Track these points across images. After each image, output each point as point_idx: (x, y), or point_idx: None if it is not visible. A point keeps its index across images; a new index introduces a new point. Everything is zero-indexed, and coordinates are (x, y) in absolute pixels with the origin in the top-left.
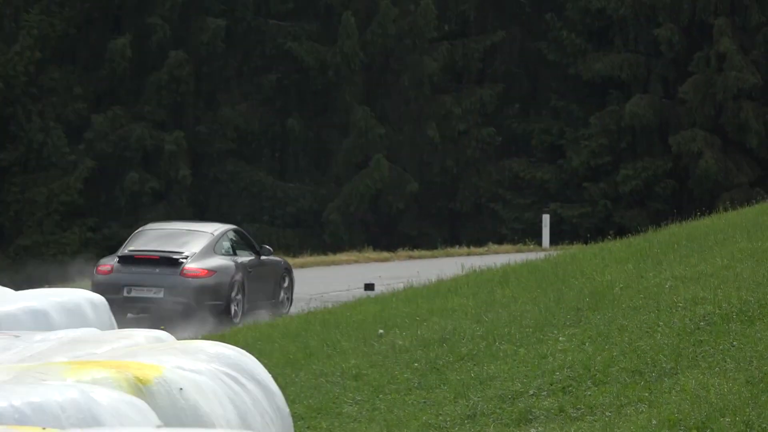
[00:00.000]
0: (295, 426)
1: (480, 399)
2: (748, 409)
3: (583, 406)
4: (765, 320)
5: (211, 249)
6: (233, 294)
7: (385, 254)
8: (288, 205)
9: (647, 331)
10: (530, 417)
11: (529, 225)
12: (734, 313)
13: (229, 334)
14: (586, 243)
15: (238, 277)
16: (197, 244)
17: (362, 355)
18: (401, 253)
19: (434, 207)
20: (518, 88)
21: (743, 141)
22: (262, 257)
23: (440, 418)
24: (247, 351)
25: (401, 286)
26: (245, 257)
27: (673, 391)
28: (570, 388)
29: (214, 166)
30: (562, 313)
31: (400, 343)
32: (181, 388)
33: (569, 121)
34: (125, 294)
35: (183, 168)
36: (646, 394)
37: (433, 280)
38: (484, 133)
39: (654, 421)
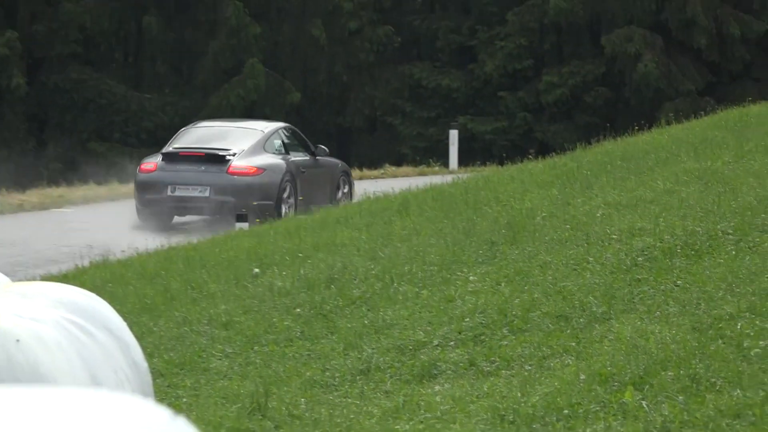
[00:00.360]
0: (153, 384)
1: (375, 351)
2: (694, 361)
3: (497, 359)
4: (714, 255)
5: (261, 147)
6: (284, 195)
7: None
8: (144, 119)
9: (575, 269)
10: (435, 371)
11: (434, 143)
12: (678, 247)
13: (74, 275)
14: (501, 164)
15: (290, 176)
16: (246, 141)
17: (234, 299)
18: None
19: (320, 122)
20: None
21: (689, 41)
22: (318, 158)
23: (327, 373)
24: (97, 295)
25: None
26: (298, 157)
27: (606, 339)
28: (482, 337)
29: (55, 73)
30: (474, 247)
31: (280, 284)
32: (17, 340)
33: (482, 18)
34: (169, 193)
35: (17, 75)
36: (573, 344)
37: (319, 209)
38: (379, 33)
39: (582, 376)
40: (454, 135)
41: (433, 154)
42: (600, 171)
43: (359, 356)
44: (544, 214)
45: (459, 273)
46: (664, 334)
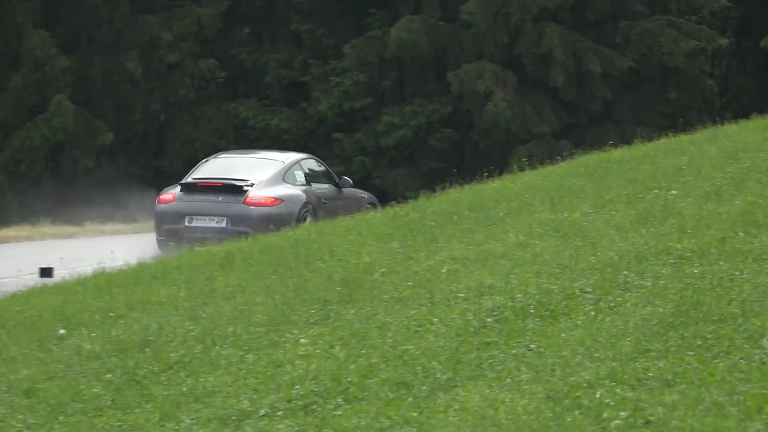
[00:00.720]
0: None
1: (194, 421)
2: None
3: (331, 431)
4: (571, 315)
5: (280, 177)
6: (304, 225)
7: (69, 229)
8: None
9: (417, 331)
10: None
11: None
12: (532, 307)
13: None
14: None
15: (309, 207)
16: (265, 172)
17: (37, 363)
18: (90, 227)
19: (135, 165)
20: (249, 5)
21: (545, 78)
22: (343, 189)
23: None
24: None
25: (90, 270)
26: (321, 188)
27: (451, 409)
28: (314, 407)
29: None
30: (305, 306)
31: (88, 347)
32: None
33: (315, 51)
34: (186, 223)
35: None
36: (415, 414)
37: (133, 263)
38: (202, 67)
39: None
40: None
41: None
42: (445, 222)
43: (177, 428)
44: (383, 270)
45: (288, 335)
46: (515, 404)
